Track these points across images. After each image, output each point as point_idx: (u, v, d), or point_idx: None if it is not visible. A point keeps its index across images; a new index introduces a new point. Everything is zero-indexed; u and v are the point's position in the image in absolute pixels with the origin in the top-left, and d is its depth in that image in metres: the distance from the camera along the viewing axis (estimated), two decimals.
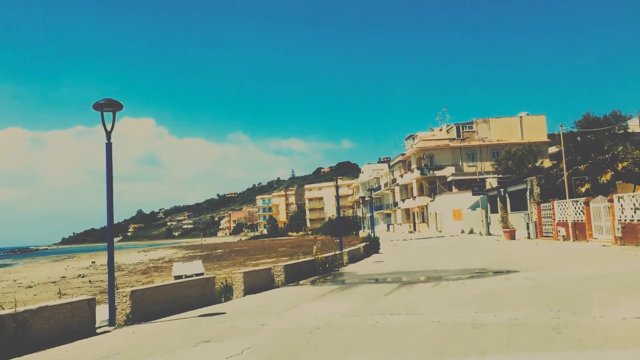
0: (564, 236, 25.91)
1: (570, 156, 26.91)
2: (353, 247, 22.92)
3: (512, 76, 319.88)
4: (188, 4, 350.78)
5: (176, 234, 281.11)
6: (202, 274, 26.28)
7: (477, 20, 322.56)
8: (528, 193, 30.34)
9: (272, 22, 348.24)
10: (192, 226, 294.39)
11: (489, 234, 38.85)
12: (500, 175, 47.01)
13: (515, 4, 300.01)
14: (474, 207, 44.96)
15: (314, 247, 18.90)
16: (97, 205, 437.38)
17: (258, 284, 13.02)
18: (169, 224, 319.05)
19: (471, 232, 44.26)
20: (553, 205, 27.08)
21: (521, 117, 65.53)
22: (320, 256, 16.87)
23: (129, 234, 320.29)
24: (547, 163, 49.72)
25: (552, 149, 57.40)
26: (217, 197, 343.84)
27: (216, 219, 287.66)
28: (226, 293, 12.92)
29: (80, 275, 36.29)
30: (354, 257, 21.33)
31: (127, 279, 29.60)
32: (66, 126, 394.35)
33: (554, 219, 27.08)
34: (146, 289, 9.44)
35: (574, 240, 24.69)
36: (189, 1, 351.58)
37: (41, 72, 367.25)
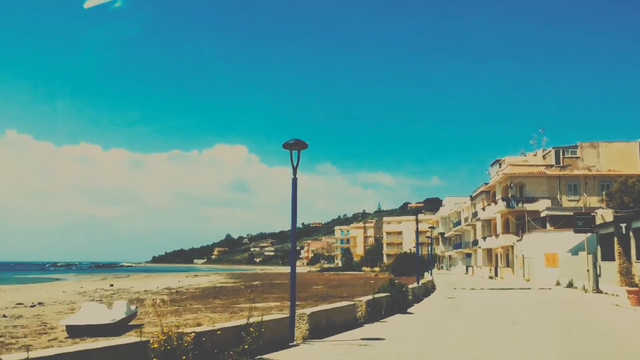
0: None
1: None
2: (340, 304, 12.55)
3: (630, 94, 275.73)
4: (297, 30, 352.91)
5: (258, 260, 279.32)
6: (111, 323, 16.29)
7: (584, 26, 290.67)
8: None
9: (368, 50, 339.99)
10: (273, 253, 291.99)
11: (597, 290, 26.63)
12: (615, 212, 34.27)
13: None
14: (575, 251, 32.56)
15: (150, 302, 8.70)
16: (186, 227, 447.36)
17: None
18: (252, 249, 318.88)
19: (570, 284, 31.83)
20: None
21: None
22: (171, 334, 6.78)
23: (213, 257, 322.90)
24: None
25: None
26: (301, 226, 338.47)
27: (298, 247, 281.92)
28: None
29: (56, 301, 28.30)
30: (333, 326, 11.07)
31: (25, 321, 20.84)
32: (165, 149, 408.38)
33: None
34: None
35: None
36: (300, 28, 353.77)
37: (151, 99, 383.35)
